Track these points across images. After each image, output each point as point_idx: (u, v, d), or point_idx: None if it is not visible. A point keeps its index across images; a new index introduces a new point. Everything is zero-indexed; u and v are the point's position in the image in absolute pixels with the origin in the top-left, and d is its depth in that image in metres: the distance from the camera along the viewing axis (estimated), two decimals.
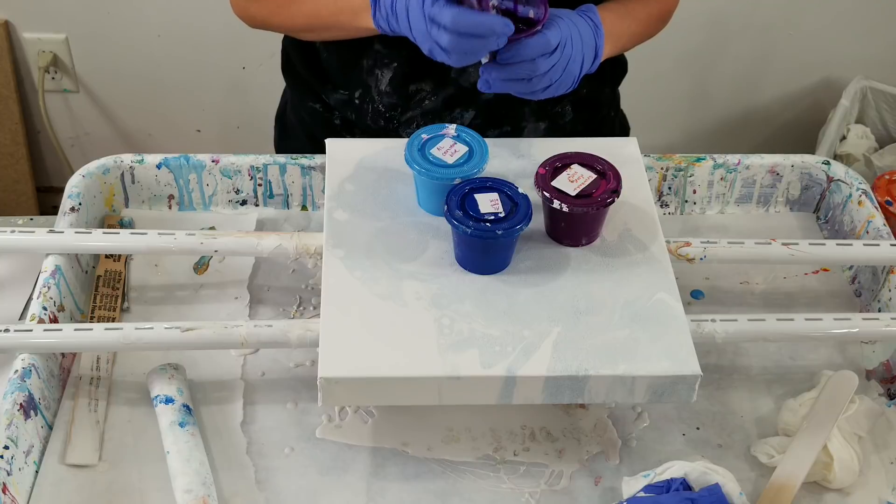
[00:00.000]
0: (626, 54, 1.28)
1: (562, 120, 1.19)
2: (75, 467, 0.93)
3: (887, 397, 1.02)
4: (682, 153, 1.19)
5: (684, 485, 0.89)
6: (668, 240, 1.03)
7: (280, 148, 1.35)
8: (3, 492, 0.86)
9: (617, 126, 1.32)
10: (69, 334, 0.96)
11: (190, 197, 1.16)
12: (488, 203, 0.93)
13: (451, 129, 1.00)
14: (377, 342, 0.89)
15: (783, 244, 1.06)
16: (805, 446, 0.94)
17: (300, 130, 1.28)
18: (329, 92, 1.19)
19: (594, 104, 1.22)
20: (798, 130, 2.25)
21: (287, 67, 1.26)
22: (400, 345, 0.89)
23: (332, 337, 0.89)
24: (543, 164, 0.97)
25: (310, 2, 1.09)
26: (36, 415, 0.93)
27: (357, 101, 1.17)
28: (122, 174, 1.14)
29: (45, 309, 0.99)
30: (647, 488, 0.89)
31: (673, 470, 0.90)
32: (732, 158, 1.18)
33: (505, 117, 1.17)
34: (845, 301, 1.13)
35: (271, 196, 1.17)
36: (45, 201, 2.29)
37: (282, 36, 1.26)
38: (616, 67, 1.26)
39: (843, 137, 2.03)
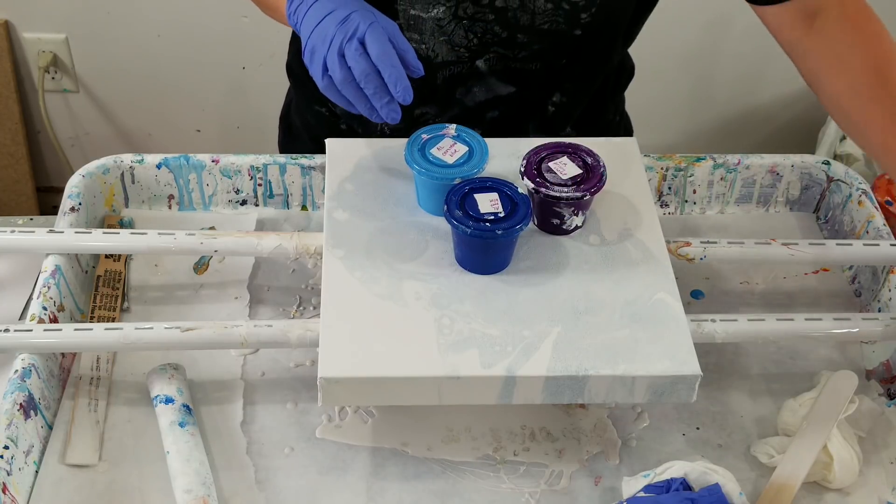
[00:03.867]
0: (630, 55, 1.27)
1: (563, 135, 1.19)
2: (75, 467, 0.93)
3: (887, 397, 1.02)
4: (683, 153, 1.19)
5: (684, 485, 0.89)
6: (668, 240, 1.03)
7: (285, 149, 1.35)
8: (3, 492, 0.86)
9: (621, 131, 1.31)
10: (69, 334, 0.96)
11: (190, 197, 1.16)
12: (488, 203, 0.93)
13: (451, 128, 1.00)
14: (377, 342, 0.89)
15: (783, 244, 1.06)
16: (805, 446, 0.94)
17: (304, 133, 1.28)
18: None
19: (596, 123, 1.22)
20: (798, 130, 2.25)
21: (291, 70, 1.25)
22: (400, 345, 0.88)
23: (332, 337, 0.89)
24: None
25: None
26: (36, 415, 0.93)
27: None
28: (122, 174, 1.14)
29: (45, 309, 0.99)
30: (647, 488, 0.89)
31: (673, 470, 0.90)
32: (732, 158, 1.18)
33: (510, 136, 1.16)
34: (845, 301, 1.13)
35: (271, 196, 1.17)
36: (45, 201, 2.29)
37: (282, 36, 1.26)
38: (622, 73, 1.25)
39: (843, 137, 2.03)
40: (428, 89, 1.10)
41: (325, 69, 0.91)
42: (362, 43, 0.90)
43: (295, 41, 1.24)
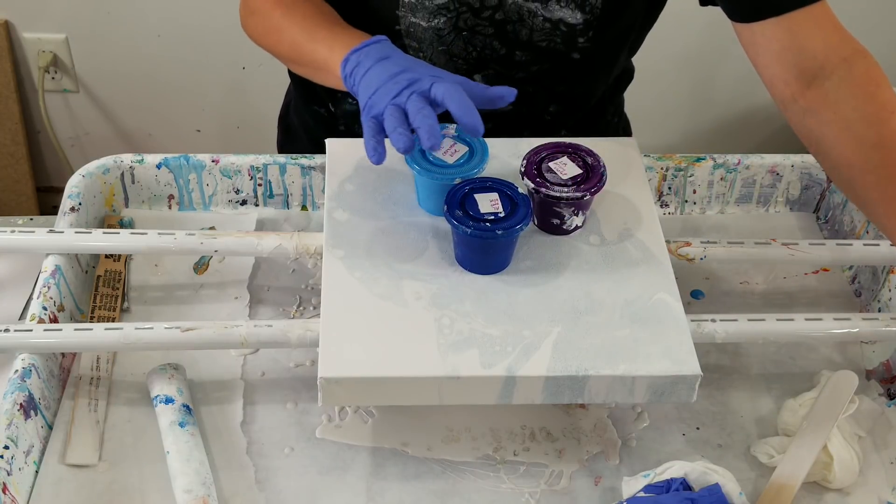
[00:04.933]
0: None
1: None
2: (75, 467, 0.93)
3: (887, 397, 1.02)
4: (683, 153, 1.19)
5: (684, 485, 0.89)
6: (668, 240, 1.03)
7: (283, 150, 1.35)
8: (3, 492, 0.86)
9: (620, 132, 1.31)
10: (69, 334, 0.96)
11: (190, 197, 1.16)
12: (488, 203, 0.93)
13: (451, 129, 1.00)
14: (377, 342, 0.89)
15: (783, 244, 1.06)
16: (805, 446, 0.94)
17: (303, 134, 1.27)
18: (338, 101, 1.18)
19: (595, 125, 1.22)
20: None
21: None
22: (400, 345, 0.88)
23: (332, 337, 0.89)
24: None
25: (294, 31, 1.02)
26: (36, 415, 0.93)
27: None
28: (122, 174, 1.14)
29: (45, 309, 0.99)
30: (647, 488, 0.89)
31: (673, 470, 0.90)
32: (732, 158, 1.18)
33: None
34: (845, 301, 1.13)
35: (271, 196, 1.17)
36: (45, 201, 2.29)
37: None
38: (621, 76, 1.25)
39: None
40: None
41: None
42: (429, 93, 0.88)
43: None
